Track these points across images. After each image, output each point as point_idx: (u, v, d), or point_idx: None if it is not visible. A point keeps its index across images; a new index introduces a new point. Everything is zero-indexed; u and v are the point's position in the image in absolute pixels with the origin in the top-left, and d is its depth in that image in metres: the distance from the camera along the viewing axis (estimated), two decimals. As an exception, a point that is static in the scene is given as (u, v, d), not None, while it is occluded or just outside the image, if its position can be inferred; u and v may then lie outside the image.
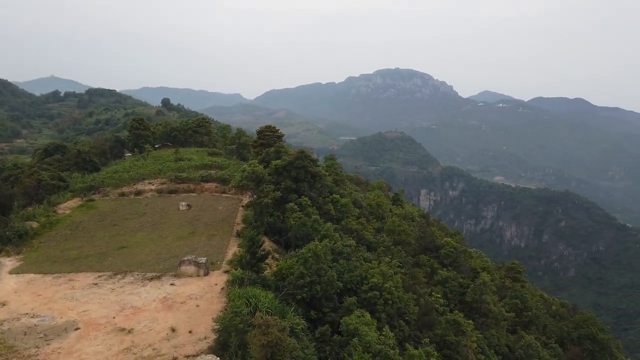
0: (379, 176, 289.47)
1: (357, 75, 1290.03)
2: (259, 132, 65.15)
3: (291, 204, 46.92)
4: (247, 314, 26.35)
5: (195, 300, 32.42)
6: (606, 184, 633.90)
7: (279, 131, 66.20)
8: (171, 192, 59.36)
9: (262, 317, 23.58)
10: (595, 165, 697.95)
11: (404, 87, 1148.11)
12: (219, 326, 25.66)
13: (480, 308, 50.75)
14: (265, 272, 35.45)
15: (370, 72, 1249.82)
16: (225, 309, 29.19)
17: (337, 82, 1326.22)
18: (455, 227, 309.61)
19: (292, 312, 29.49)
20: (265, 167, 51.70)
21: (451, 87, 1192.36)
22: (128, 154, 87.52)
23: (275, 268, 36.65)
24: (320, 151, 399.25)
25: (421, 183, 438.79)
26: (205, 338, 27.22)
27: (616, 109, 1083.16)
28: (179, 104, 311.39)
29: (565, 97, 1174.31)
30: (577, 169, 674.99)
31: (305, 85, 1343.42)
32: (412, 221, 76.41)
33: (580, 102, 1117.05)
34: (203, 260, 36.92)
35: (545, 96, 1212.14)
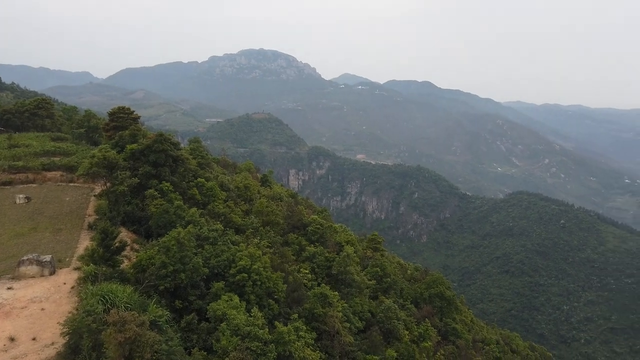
0: (248, 158, 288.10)
1: (220, 54, 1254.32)
2: (111, 114, 59.46)
3: (151, 190, 44.02)
4: (102, 312, 24.18)
5: (39, 304, 28.81)
6: (450, 158, 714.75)
7: (134, 113, 61.14)
8: (4, 183, 51.40)
9: (117, 314, 21.79)
10: (440, 141, 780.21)
11: (269, 68, 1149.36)
12: (67, 329, 23.12)
13: (345, 279, 53.68)
14: (123, 265, 32.88)
15: (235, 52, 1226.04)
16: (76, 309, 26.48)
17: (199, 62, 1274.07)
18: (323, 205, 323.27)
19: (154, 305, 27.84)
20: (119, 152, 47.54)
21: (314, 69, 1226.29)
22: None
23: (134, 260, 34.20)
24: (185, 134, 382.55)
25: (290, 163, 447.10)
26: (52, 344, 24.41)
27: (457, 91, 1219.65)
28: (13, 83, 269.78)
29: (415, 80, 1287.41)
30: (426, 145, 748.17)
31: (165, 64, 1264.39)
32: (281, 201, 77.37)
33: (427, 85, 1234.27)
34: (47, 258, 32.84)
35: (398, 79, 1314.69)
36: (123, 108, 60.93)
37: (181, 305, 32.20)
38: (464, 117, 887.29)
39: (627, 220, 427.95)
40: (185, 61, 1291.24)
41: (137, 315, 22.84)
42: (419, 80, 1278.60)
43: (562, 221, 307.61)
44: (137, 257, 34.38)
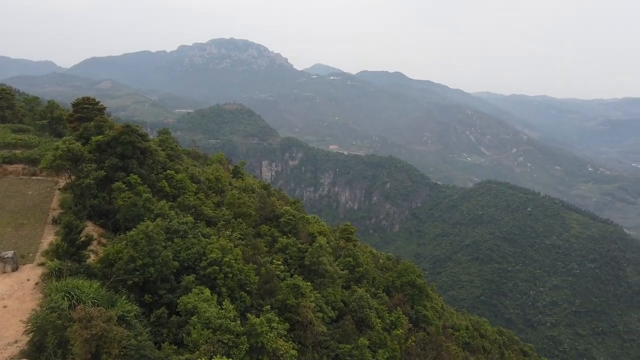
0: (219, 149, 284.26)
1: (190, 44, 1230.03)
2: (75, 105, 57.46)
3: (118, 183, 42.95)
4: (67, 308, 23.59)
5: (1, 301, 27.90)
6: (421, 148, 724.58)
7: (100, 103, 59.29)
8: (-38, 178, 49.26)
9: (83, 310, 21.30)
10: (412, 131, 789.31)
11: (240, 58, 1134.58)
12: (31, 326, 22.48)
13: (318, 269, 53.84)
14: (89, 260, 32.12)
15: (204, 41, 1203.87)
16: (41, 306, 25.76)
17: (168, 51, 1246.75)
18: (296, 196, 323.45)
19: (122, 300, 27.36)
20: (84, 144, 46.15)
21: (286, 59, 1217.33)
22: None
23: (101, 254, 33.42)
24: (154, 125, 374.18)
25: (262, 154, 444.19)
26: (15, 342, 23.72)
27: (427, 82, 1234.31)
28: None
29: (386, 71, 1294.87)
30: (398, 135, 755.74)
31: (132, 53, 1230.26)
32: (253, 193, 76.81)
33: (398, 76, 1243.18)
34: (9, 254, 31.74)
35: (370, 70, 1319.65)
36: (88, 99, 59.03)
37: (151, 300, 31.71)
38: (434, 108, 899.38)
39: (590, 207, 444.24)
40: (153, 50, 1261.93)
41: (104, 310, 22.43)
42: (391, 71, 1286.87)
43: (528, 209, 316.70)
44: (104, 251, 33.61)
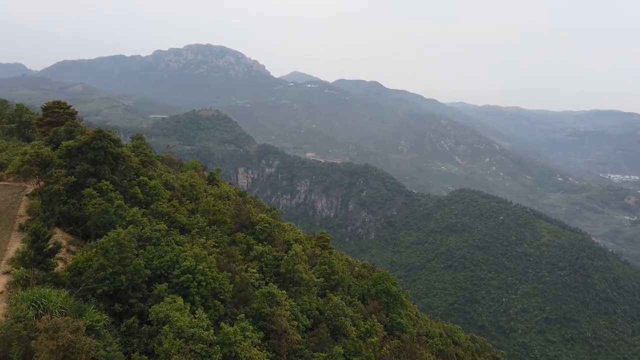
0: (195, 156, 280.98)
1: (165, 49, 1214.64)
2: (45, 109, 56.08)
3: (89, 189, 42.00)
4: (34, 317, 22.83)
5: (-38, 312, 26.77)
6: (397, 157, 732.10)
7: (71, 108, 58.02)
8: None
9: (50, 320, 20.64)
10: (387, 140, 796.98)
11: (217, 64, 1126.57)
12: (-6, 338, 21.65)
13: (293, 277, 53.61)
14: (57, 268, 31.20)
15: (180, 46, 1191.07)
16: (5, 316, 24.83)
17: (143, 55, 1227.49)
18: (272, 203, 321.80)
19: (91, 309, 26.62)
20: (54, 149, 45.04)
21: (263, 66, 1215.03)
22: None
23: (70, 262, 32.51)
24: (128, 130, 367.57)
25: (239, 161, 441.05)
26: (-23, 354, 22.73)
27: (403, 92, 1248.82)
28: None
29: (363, 80, 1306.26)
30: (374, 144, 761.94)
31: (106, 57, 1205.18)
32: (228, 200, 76.24)
33: (375, 85, 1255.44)
34: (-28, 262, 30.60)
35: (347, 79, 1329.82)
36: (59, 102, 57.72)
37: (121, 309, 30.98)
38: (410, 117, 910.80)
39: (559, 216, 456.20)
40: (128, 55, 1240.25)
41: (72, 320, 21.77)
42: (367, 80, 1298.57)
43: (501, 217, 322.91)
44: (73, 259, 32.71)
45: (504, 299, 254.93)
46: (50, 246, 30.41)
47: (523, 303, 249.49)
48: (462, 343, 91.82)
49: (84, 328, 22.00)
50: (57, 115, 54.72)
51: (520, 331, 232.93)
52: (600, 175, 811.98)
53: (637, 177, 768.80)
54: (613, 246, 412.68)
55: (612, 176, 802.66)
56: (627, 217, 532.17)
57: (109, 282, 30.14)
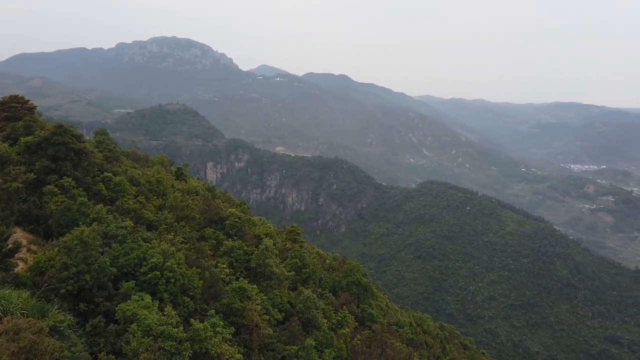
0: (162, 151, 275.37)
1: (129, 41, 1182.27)
2: (2, 104, 53.71)
3: (50, 186, 40.65)
4: (-7, 321, 21.98)
5: None
6: (366, 150, 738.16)
7: (30, 102, 55.87)
8: None
9: (10, 321, 19.95)
10: (357, 133, 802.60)
11: (183, 57, 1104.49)
12: (-50, 343, 20.75)
13: (264, 272, 53.43)
14: (18, 268, 30.14)
15: (145, 39, 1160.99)
16: (-38, 320, 23.83)
17: (106, 48, 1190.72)
18: (242, 198, 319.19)
19: (55, 310, 25.85)
20: (11, 146, 43.36)
21: (231, 59, 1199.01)
22: None
23: (31, 262, 31.45)
24: (91, 125, 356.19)
25: (207, 156, 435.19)
26: None
27: (371, 85, 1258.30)
28: None
29: (331, 73, 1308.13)
30: (343, 137, 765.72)
31: (67, 50, 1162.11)
32: (197, 195, 75.07)
33: (343, 78, 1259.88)
34: None
35: (316, 72, 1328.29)
36: (16, 97, 55.49)
37: (86, 309, 30.20)
38: (378, 110, 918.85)
39: (523, 206, 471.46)
40: (90, 47, 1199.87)
41: (34, 321, 21.11)
42: (336, 74, 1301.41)
43: (467, 208, 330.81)
44: (34, 259, 31.65)
45: (471, 287, 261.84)
46: (10, 246, 29.31)
47: (489, 290, 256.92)
48: (432, 331, 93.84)
49: (47, 329, 21.36)
50: (15, 110, 52.63)
51: (486, 318, 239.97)
52: (561, 165, 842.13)
53: (596, 167, 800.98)
54: (573, 233, 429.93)
55: (572, 166, 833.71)
56: (587, 206, 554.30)
57: (72, 281, 29.30)
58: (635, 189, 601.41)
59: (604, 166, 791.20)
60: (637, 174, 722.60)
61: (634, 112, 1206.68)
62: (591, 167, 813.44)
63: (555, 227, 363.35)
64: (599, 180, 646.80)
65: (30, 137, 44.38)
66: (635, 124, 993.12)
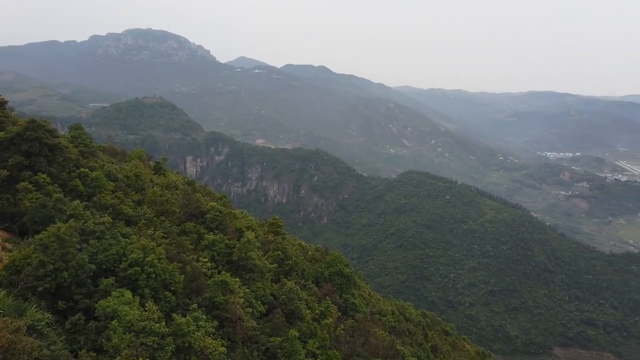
0: (139, 145, 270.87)
1: (103, 34, 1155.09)
2: (-29, 99, 52.24)
3: (24, 183, 39.76)
4: (-32, 321, 21.49)
5: None
6: (346, 141, 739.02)
7: (0, 97, 54.29)
8: None
9: (-14, 322, 19.57)
10: (337, 125, 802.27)
11: (159, 49, 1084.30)
12: None
13: (246, 265, 53.32)
14: (-8, 267, 29.46)
15: (119, 31, 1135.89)
16: None
17: (79, 41, 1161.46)
18: (223, 191, 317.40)
19: (32, 308, 25.40)
20: (-18, 142, 42.10)
21: (208, 51, 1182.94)
22: None
23: (6, 261, 30.77)
24: (65, 120, 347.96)
25: (186, 150, 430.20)
26: None
27: (351, 76, 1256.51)
28: None
29: (311, 65, 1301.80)
30: (324, 129, 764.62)
31: (38, 43, 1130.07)
32: (176, 189, 74.22)
33: (323, 70, 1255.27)
34: None
35: (294, 63, 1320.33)
36: (-15, 92, 53.83)
37: (65, 306, 29.72)
38: (358, 101, 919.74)
39: (501, 194, 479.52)
40: (62, 40, 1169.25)
41: (11, 320, 20.74)
42: (315, 65, 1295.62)
43: (447, 197, 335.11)
44: (9, 257, 30.97)
45: (451, 275, 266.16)
46: (-17, 245, 28.64)
47: (469, 277, 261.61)
48: (414, 319, 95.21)
49: (25, 328, 21.01)
50: (-16, 105, 51.02)
51: (467, 304, 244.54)
52: (538, 153, 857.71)
53: (571, 154, 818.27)
54: (550, 220, 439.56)
55: (548, 154, 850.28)
56: (563, 192, 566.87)
57: (50, 279, 28.78)
58: (609, 175, 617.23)
59: (579, 153, 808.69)
60: (611, 160, 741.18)
61: (607, 100, 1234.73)
62: (566, 154, 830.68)
63: (532, 213, 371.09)
64: (574, 167, 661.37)
65: (2, 132, 43.28)
66: (609, 112, 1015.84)
